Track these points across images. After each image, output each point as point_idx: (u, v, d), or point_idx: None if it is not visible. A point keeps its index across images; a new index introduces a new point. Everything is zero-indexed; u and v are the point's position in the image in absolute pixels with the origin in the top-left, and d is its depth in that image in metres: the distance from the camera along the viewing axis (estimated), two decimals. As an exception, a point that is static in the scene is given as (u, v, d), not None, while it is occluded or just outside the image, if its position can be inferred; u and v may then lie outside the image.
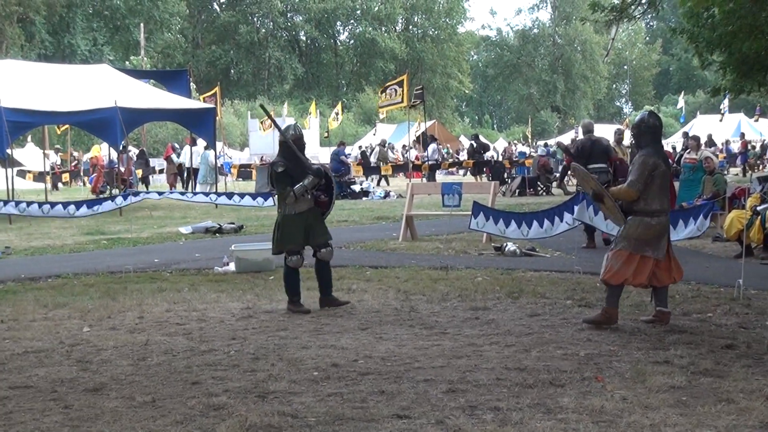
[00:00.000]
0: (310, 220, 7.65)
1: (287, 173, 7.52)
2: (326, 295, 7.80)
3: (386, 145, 29.96)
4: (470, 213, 10.62)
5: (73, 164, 31.42)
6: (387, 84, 26.43)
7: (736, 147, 36.33)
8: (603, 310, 6.70)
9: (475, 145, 29.24)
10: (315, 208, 7.71)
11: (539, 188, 23.87)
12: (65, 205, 11.59)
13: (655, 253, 6.60)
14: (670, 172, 6.87)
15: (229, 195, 12.46)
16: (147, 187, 27.32)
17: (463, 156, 37.83)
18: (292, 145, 7.60)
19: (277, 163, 7.67)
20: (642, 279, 6.66)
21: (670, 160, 14.48)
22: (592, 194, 6.95)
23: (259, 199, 12.13)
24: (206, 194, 12.55)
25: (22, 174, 28.23)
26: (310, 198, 7.63)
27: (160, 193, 12.31)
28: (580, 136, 13.53)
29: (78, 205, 11.77)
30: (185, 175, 26.27)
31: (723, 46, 15.19)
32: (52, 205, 11.64)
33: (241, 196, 12.29)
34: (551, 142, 40.54)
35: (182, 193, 12.29)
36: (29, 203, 11.71)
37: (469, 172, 28.64)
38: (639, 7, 16.57)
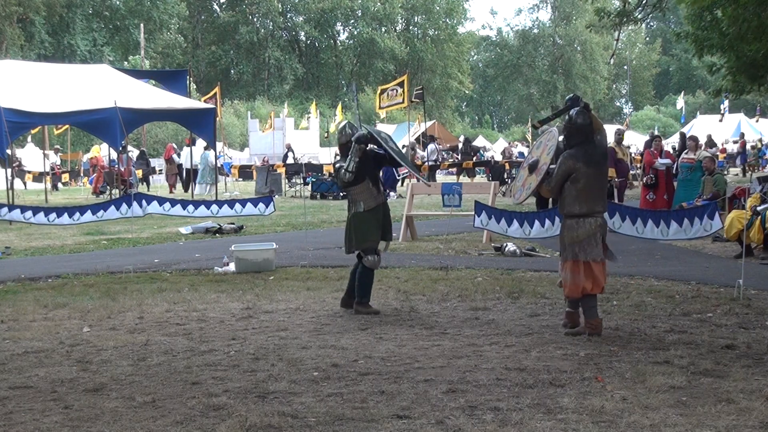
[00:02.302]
0: (380, 216, 7.51)
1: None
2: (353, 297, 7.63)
3: (414, 147, 29.89)
4: (470, 213, 10.63)
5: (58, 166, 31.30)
6: (385, 86, 26.43)
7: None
8: (586, 323, 6.45)
9: (461, 146, 29.28)
10: (386, 204, 7.59)
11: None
12: (71, 213, 11.55)
13: (592, 255, 6.33)
14: (600, 173, 6.53)
15: (231, 204, 12.42)
16: (148, 187, 27.36)
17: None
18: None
19: (339, 162, 7.56)
20: (601, 284, 6.40)
21: (669, 160, 14.54)
22: (533, 161, 6.71)
23: (261, 206, 12.08)
24: (207, 207, 12.55)
25: (21, 174, 28.22)
26: (378, 194, 7.50)
27: (160, 202, 12.22)
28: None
29: (83, 211, 11.68)
30: (185, 176, 26.32)
31: (730, 50, 15.14)
32: (59, 213, 11.56)
33: (243, 204, 12.24)
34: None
35: (184, 206, 12.25)
36: (35, 211, 11.56)
37: (464, 174, 28.59)
38: (644, 10, 16.55)
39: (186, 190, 25.51)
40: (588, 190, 6.35)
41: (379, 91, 27.13)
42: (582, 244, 6.35)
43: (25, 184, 28.54)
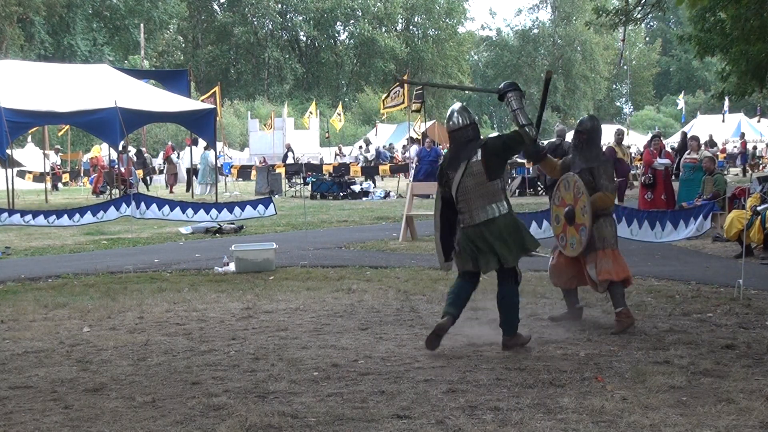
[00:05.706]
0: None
1: None
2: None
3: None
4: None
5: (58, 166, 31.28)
6: (390, 88, 26.48)
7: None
8: (621, 314, 6.50)
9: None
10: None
11: (539, 188, 23.82)
12: (70, 214, 11.53)
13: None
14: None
15: (230, 208, 12.43)
16: (147, 188, 27.38)
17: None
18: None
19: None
20: (628, 272, 6.85)
21: (668, 160, 14.63)
22: (568, 210, 6.72)
23: (260, 207, 12.10)
24: (207, 211, 12.56)
25: (21, 174, 28.25)
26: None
27: (159, 205, 12.19)
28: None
29: (82, 212, 11.65)
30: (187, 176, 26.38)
31: (733, 50, 15.14)
32: (58, 215, 11.56)
33: (242, 207, 12.24)
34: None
35: (183, 210, 12.27)
36: (35, 214, 11.53)
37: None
38: (643, 9, 16.57)
39: (187, 190, 25.54)
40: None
41: (382, 98, 27.21)
42: (616, 236, 6.86)
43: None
